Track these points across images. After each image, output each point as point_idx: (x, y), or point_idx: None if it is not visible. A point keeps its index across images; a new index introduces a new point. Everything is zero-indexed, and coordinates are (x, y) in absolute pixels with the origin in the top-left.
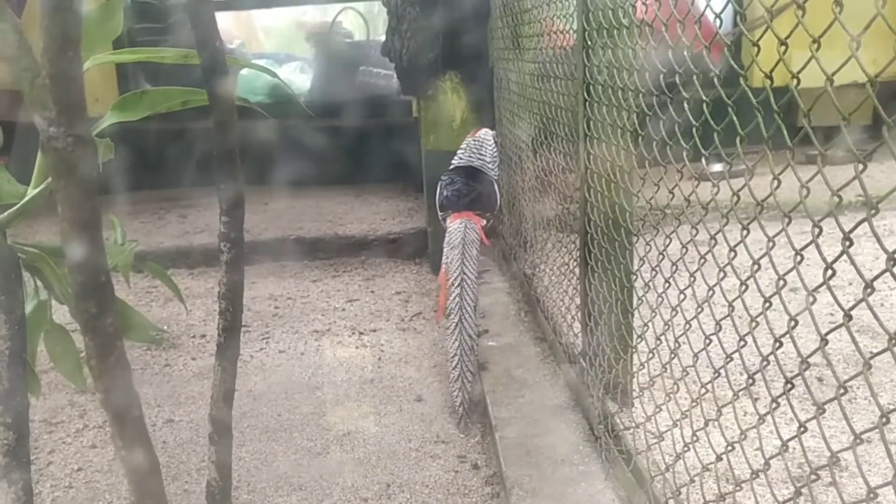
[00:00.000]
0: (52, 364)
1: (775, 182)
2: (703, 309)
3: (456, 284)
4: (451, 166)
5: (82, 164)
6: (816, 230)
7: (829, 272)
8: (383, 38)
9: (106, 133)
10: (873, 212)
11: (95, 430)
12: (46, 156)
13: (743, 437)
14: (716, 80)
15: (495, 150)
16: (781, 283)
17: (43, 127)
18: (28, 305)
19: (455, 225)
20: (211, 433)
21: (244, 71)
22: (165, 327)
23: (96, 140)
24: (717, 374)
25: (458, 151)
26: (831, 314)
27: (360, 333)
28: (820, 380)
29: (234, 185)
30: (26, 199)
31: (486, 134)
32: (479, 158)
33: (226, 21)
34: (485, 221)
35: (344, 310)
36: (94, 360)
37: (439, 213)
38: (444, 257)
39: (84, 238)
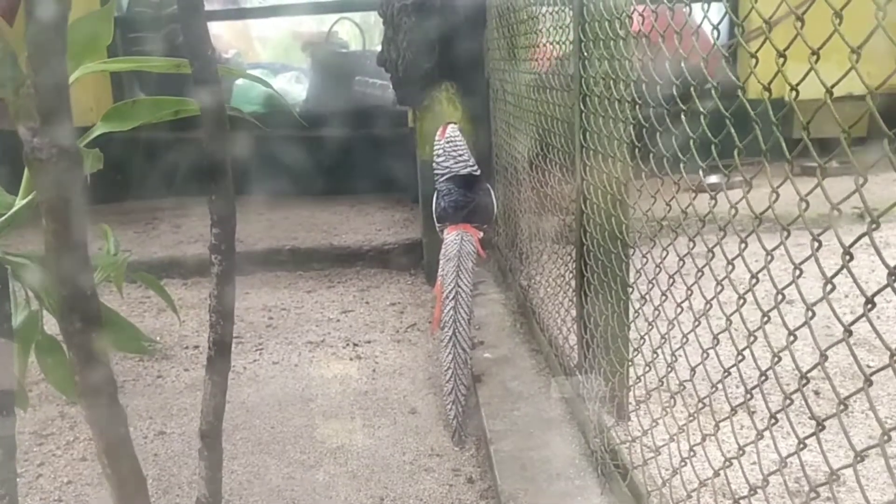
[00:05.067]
0: (42, 375)
1: (773, 195)
2: (700, 322)
3: (451, 297)
4: (444, 176)
5: (67, 175)
6: (815, 244)
7: (829, 286)
8: (379, 48)
9: (98, 142)
10: (874, 226)
11: (86, 443)
12: (30, 167)
13: (741, 452)
14: (713, 91)
15: (464, 140)
16: (780, 296)
17: (27, 137)
18: (19, 316)
19: (451, 237)
20: (200, 448)
21: (239, 81)
22: (158, 338)
23: (84, 151)
24: (714, 389)
25: (436, 159)
26: (828, 327)
27: (355, 345)
28: (817, 393)
29: (225, 196)
30: (14, 209)
31: (452, 130)
32: (462, 161)
33: (222, 30)
34: (481, 233)
35: (338, 321)
36: (78, 375)
37: (437, 225)
38: (439, 269)
39: (69, 251)
